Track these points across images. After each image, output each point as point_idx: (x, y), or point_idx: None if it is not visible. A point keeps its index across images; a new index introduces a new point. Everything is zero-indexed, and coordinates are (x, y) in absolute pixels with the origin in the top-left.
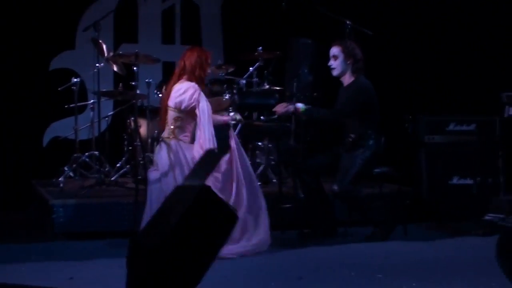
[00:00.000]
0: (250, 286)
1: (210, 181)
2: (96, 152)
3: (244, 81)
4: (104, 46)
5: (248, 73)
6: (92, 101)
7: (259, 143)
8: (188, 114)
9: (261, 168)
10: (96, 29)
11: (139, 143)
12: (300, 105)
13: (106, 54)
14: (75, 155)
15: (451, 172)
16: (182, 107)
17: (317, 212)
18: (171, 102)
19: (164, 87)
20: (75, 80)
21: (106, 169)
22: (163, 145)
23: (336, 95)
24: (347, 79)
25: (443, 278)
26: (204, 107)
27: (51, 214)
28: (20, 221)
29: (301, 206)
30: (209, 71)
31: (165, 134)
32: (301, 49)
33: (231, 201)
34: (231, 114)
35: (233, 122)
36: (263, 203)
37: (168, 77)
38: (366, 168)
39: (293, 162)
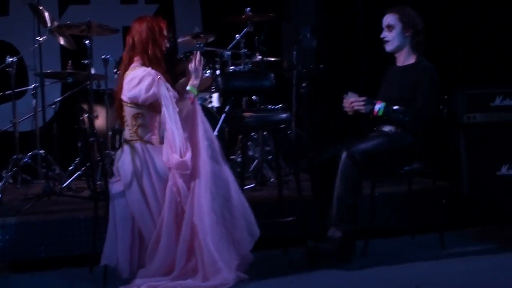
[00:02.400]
0: None
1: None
2: (42, 151)
3: (229, 53)
4: (46, 14)
5: (234, 42)
6: (34, 85)
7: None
8: (149, 109)
9: (254, 163)
10: None
11: (95, 139)
12: (379, 107)
13: (49, 24)
14: (15, 156)
15: (499, 160)
16: (140, 101)
17: None
18: (124, 96)
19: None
20: (11, 59)
21: (56, 172)
22: (126, 148)
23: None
24: (403, 57)
25: None
26: (167, 99)
27: None
28: None
29: (309, 215)
30: (167, 45)
31: (126, 135)
32: (301, 5)
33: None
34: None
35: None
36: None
37: None
38: (393, 155)
39: (297, 155)
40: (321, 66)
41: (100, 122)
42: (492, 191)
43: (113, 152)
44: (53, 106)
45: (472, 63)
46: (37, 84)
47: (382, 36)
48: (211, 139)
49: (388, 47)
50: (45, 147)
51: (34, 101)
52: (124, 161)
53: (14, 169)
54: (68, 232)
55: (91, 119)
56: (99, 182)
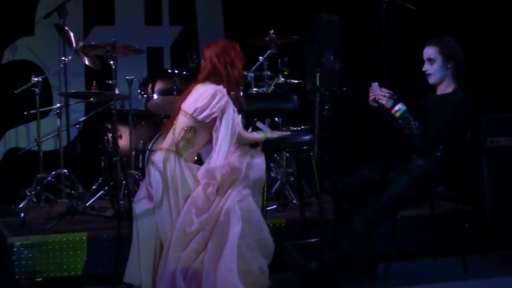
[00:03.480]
0: None
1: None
2: (65, 170)
3: (252, 75)
4: (72, 35)
5: (257, 64)
6: (58, 104)
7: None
8: (205, 127)
9: (276, 185)
10: (60, 15)
11: (118, 159)
12: (400, 107)
13: (74, 45)
14: (39, 175)
15: None
16: (201, 115)
17: None
18: (188, 106)
19: (150, 86)
20: (36, 79)
21: (79, 192)
22: (159, 157)
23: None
24: (443, 86)
25: None
26: (229, 118)
27: (10, 255)
28: None
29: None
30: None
31: (165, 143)
32: (324, 29)
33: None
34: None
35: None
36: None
37: (154, 69)
38: (412, 191)
39: (319, 177)
40: (344, 88)
41: (124, 142)
42: None
43: (136, 172)
44: (77, 126)
45: (497, 86)
46: (61, 104)
47: (424, 69)
48: None
49: (431, 80)
50: (69, 166)
51: (58, 120)
52: (155, 172)
53: (38, 187)
54: (91, 251)
55: (115, 139)
56: (122, 202)
